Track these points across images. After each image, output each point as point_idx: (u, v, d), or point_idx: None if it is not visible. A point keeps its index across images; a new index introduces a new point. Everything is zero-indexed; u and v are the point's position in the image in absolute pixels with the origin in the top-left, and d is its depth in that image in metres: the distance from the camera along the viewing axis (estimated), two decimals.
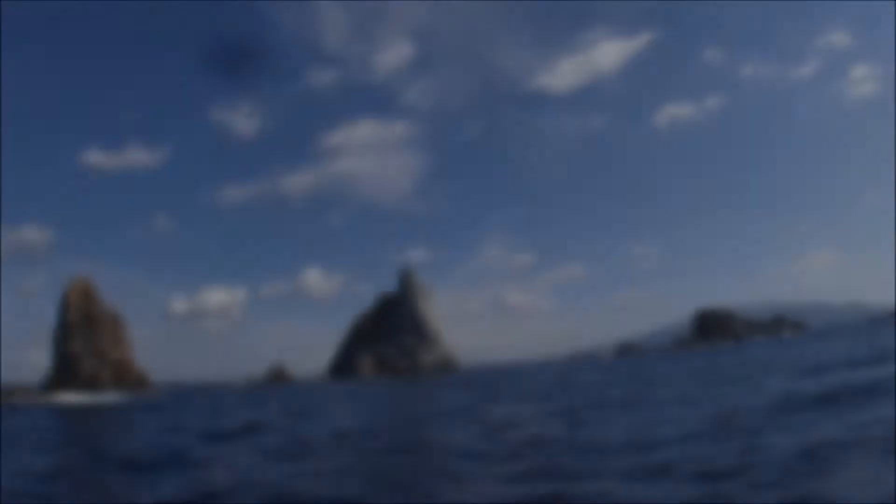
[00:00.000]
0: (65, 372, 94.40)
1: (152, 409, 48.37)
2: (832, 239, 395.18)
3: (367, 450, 18.67)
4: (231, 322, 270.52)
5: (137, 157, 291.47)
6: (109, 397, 78.58)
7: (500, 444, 17.18)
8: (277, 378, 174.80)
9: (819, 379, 23.87)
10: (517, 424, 21.99)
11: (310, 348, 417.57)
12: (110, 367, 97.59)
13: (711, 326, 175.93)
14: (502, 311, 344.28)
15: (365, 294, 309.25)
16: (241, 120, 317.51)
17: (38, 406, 64.39)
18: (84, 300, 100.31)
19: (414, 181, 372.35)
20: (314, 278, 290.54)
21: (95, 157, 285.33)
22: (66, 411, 54.35)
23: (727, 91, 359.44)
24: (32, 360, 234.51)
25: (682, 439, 14.12)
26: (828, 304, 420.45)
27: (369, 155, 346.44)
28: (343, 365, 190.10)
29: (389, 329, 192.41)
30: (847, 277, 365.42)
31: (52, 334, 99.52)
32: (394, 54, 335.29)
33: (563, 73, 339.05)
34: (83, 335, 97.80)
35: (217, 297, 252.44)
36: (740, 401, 20.92)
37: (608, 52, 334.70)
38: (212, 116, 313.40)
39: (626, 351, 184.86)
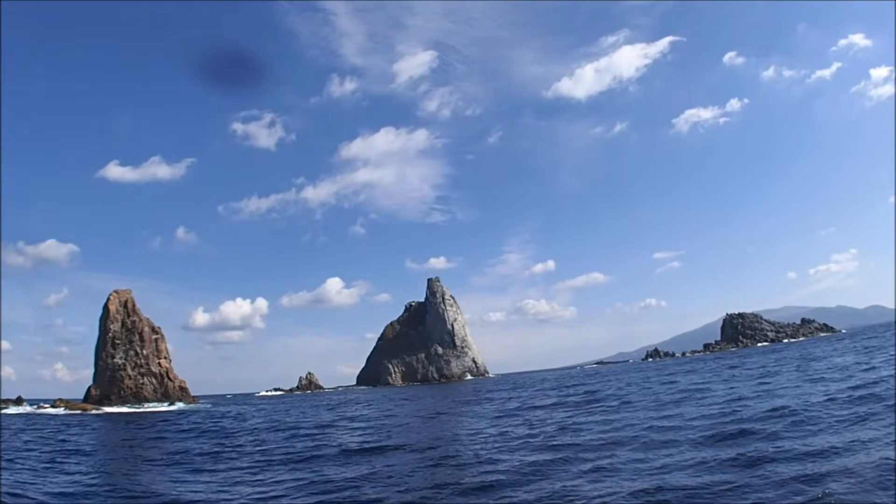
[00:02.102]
0: (108, 385, 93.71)
1: (236, 417, 47.33)
2: (854, 243, 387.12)
3: None
4: (253, 333, 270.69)
5: (158, 170, 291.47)
6: (174, 406, 77.73)
7: None
8: (308, 387, 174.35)
9: None
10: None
11: (331, 357, 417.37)
12: (153, 378, 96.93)
13: (740, 330, 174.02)
14: (523, 318, 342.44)
15: (385, 303, 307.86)
16: (262, 132, 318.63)
17: (101, 416, 63.61)
18: (125, 312, 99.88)
19: (434, 190, 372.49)
20: (335, 288, 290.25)
21: (116, 172, 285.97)
22: (145, 416, 53.47)
23: (748, 94, 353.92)
24: (59, 374, 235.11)
25: None
26: (850, 308, 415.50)
27: (389, 165, 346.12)
28: (372, 373, 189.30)
29: (418, 338, 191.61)
30: (868, 282, 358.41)
31: (92, 347, 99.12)
32: (412, 65, 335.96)
33: (583, 80, 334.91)
34: (125, 347, 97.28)
35: (239, 308, 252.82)
36: None
37: (629, 57, 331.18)
38: (232, 129, 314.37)
39: (653, 356, 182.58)
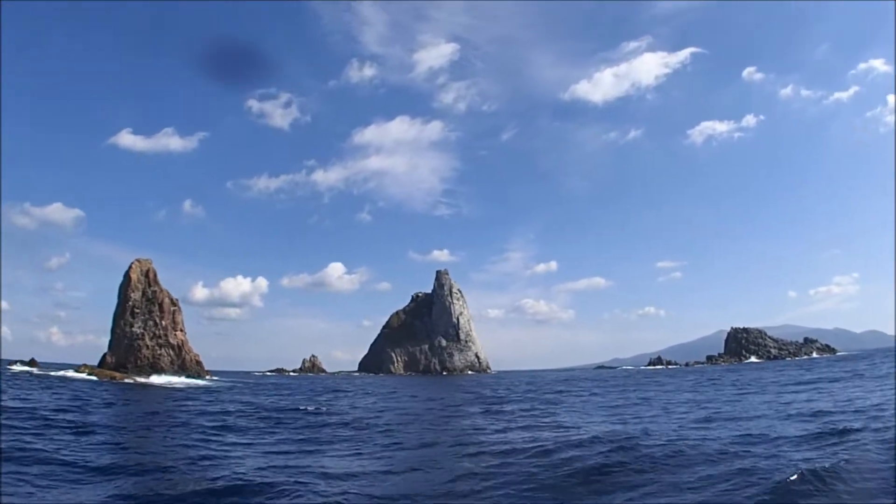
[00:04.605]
0: (125, 353, 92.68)
1: (277, 386, 46.63)
2: (857, 267, 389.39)
3: None
4: (251, 311, 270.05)
5: (171, 142, 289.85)
6: (201, 380, 76.82)
7: None
8: (311, 370, 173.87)
9: None
10: None
11: (326, 342, 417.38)
12: (170, 350, 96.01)
13: (744, 345, 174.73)
14: (521, 317, 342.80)
15: (385, 292, 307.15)
16: (277, 112, 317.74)
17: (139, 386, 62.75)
18: (146, 282, 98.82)
19: (443, 183, 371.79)
20: (336, 273, 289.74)
21: (128, 140, 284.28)
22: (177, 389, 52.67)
23: (765, 111, 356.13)
24: (55, 338, 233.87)
25: None
26: (848, 331, 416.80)
27: (401, 154, 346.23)
28: (375, 360, 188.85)
29: (423, 329, 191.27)
30: (868, 307, 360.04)
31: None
32: (433, 55, 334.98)
33: (601, 84, 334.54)
34: (144, 317, 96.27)
35: (239, 285, 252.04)
36: None
37: (649, 65, 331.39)
38: (248, 106, 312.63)
39: (655, 364, 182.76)
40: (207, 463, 14.30)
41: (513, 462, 13.50)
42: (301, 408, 31.32)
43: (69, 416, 23.70)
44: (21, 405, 27.32)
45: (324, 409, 31.34)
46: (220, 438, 19.16)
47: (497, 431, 20.44)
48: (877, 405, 21.43)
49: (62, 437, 18.19)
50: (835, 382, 37.28)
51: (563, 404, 32.61)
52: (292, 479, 12.00)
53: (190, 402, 35.79)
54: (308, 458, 15.33)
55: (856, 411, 20.27)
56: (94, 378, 71.36)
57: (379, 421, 25.03)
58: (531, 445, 15.64)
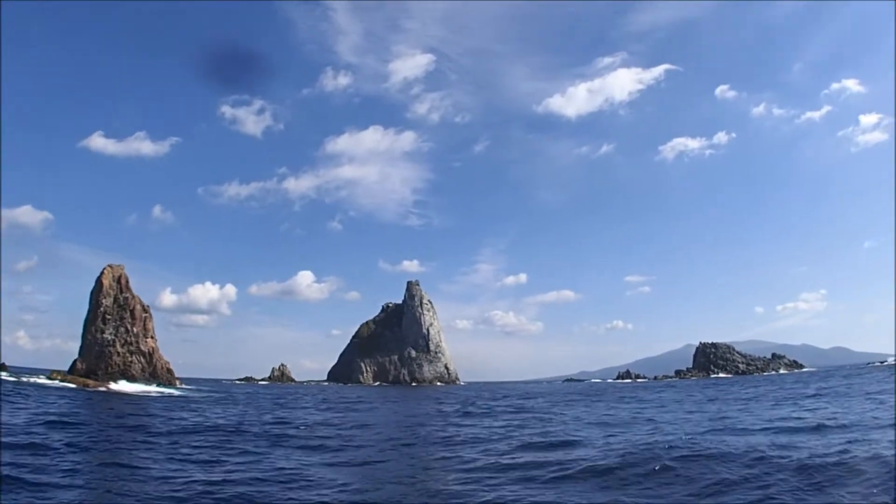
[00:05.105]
0: (95, 360, 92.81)
1: (252, 395, 47.70)
2: (825, 284, 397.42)
3: None
4: (219, 318, 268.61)
5: (143, 146, 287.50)
6: (174, 389, 77.08)
7: None
8: (280, 379, 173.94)
9: None
10: None
11: (295, 351, 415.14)
12: (141, 357, 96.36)
13: (713, 360, 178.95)
14: (490, 329, 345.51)
15: (355, 302, 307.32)
16: (250, 118, 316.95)
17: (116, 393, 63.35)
18: (118, 287, 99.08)
19: (415, 193, 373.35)
20: (305, 281, 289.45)
21: (100, 143, 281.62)
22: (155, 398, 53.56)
23: (737, 129, 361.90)
24: (21, 342, 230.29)
25: None
26: (815, 348, 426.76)
27: (373, 164, 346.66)
28: (344, 370, 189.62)
29: (393, 339, 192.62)
30: (835, 324, 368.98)
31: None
32: (409, 65, 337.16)
33: (575, 99, 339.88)
34: (115, 324, 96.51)
35: (207, 292, 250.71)
36: None
37: (623, 81, 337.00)
38: (221, 112, 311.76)
39: (623, 378, 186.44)
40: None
41: None
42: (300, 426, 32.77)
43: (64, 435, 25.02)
44: (11, 420, 28.54)
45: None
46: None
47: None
48: None
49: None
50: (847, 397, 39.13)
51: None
52: None
53: (183, 414, 36.99)
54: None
55: None
56: (70, 385, 71.69)
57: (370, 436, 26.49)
58: None
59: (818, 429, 22.00)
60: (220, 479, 15.77)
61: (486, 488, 14.47)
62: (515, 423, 31.71)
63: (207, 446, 22.46)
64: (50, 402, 43.30)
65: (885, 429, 21.06)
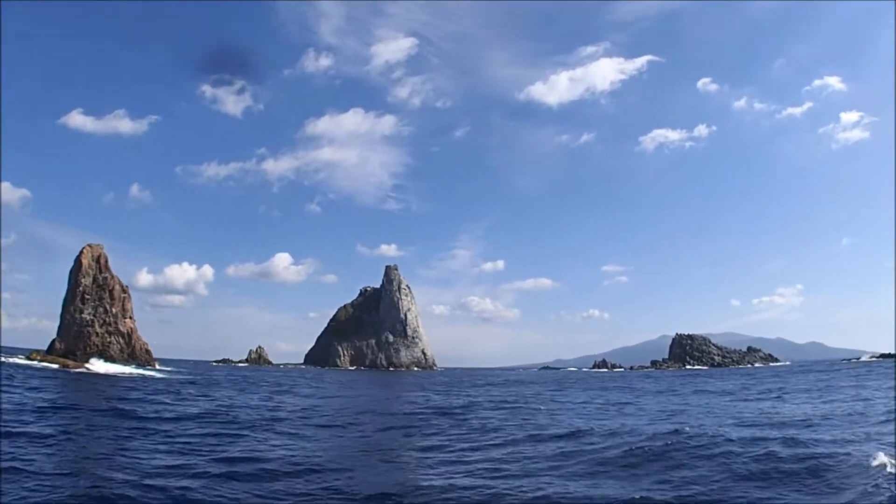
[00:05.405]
0: (74, 340, 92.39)
1: (243, 379, 48.16)
2: (801, 279, 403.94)
3: None
4: (195, 299, 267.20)
5: (122, 124, 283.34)
6: (154, 371, 77.08)
7: None
8: (257, 361, 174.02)
9: None
10: None
11: (271, 333, 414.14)
12: (120, 338, 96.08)
13: (689, 351, 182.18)
14: (466, 315, 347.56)
15: (331, 284, 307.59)
16: (230, 98, 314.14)
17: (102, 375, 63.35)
18: (97, 267, 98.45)
19: (394, 178, 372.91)
20: (283, 264, 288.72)
21: (78, 120, 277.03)
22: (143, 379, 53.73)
23: (717, 122, 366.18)
24: None
25: None
26: (790, 342, 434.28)
27: (353, 147, 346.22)
28: (321, 354, 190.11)
29: (370, 323, 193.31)
30: (810, 318, 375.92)
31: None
32: (390, 49, 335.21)
33: (556, 87, 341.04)
34: (94, 304, 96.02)
35: (184, 273, 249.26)
36: None
37: (605, 70, 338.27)
38: (201, 91, 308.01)
39: (599, 367, 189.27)
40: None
41: None
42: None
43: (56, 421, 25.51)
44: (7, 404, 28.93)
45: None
46: None
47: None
48: None
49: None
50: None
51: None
52: None
53: (165, 399, 37.43)
54: None
55: None
56: (52, 366, 71.55)
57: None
58: None
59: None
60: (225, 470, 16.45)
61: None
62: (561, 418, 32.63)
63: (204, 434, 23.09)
64: (34, 384, 43.57)
65: None
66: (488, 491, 14.22)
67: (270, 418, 29.30)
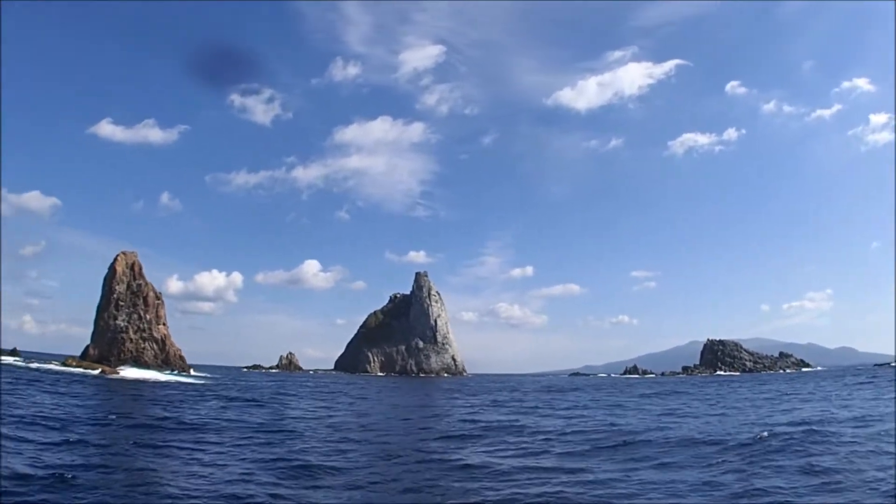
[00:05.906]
0: (108, 346, 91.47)
1: (279, 385, 46.08)
2: (831, 284, 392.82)
3: None
4: (225, 306, 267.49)
5: (151, 133, 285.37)
6: (188, 377, 75.29)
7: None
8: (288, 367, 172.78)
9: None
10: None
11: (300, 339, 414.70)
12: (154, 344, 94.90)
13: (720, 357, 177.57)
14: (495, 321, 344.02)
15: (360, 291, 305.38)
16: (259, 107, 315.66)
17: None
18: (131, 274, 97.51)
19: (422, 185, 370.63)
20: (312, 270, 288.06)
21: (108, 130, 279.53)
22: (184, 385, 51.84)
23: (746, 125, 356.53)
24: (27, 327, 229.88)
25: None
26: (821, 347, 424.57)
27: (381, 154, 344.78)
28: (351, 360, 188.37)
29: (400, 329, 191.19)
30: (841, 323, 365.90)
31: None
32: (417, 57, 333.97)
33: (585, 92, 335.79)
34: (128, 310, 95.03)
35: (214, 280, 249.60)
36: None
37: (633, 75, 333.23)
38: (230, 101, 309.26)
39: (631, 373, 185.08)
40: None
41: None
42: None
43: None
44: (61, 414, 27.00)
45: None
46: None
47: None
48: None
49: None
50: None
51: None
52: None
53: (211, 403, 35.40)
54: None
55: None
56: (92, 372, 70.17)
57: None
58: None
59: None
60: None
61: None
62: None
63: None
64: (79, 391, 41.92)
65: None
66: None
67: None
